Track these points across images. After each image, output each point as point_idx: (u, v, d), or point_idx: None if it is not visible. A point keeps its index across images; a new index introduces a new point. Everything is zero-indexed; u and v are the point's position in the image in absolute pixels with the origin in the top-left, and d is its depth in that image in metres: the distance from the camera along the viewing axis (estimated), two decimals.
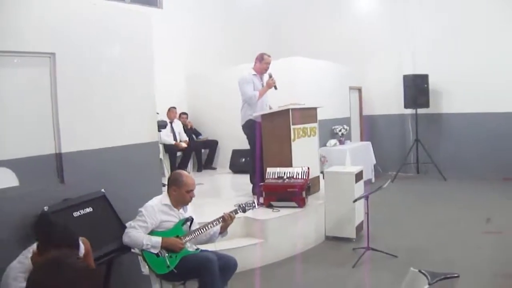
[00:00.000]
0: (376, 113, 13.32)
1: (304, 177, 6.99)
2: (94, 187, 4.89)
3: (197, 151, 11.37)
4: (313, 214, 7.02)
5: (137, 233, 4.25)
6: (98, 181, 4.99)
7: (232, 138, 10.56)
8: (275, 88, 7.57)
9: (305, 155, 7.48)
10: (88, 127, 5.15)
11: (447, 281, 2.56)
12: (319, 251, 6.78)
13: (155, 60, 6.16)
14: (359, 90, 13.39)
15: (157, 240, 4.26)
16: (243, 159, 10.54)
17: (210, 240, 4.75)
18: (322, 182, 7.91)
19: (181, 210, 4.58)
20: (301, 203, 6.81)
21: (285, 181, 6.96)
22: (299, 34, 13.90)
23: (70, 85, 4.96)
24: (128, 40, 5.67)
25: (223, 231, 4.73)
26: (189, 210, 4.70)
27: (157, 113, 6.72)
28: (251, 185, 7.92)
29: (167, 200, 4.51)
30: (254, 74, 7.72)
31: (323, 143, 10.71)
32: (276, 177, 7.09)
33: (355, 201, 6.55)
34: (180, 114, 11.50)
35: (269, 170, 7.18)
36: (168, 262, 4.25)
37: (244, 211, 4.76)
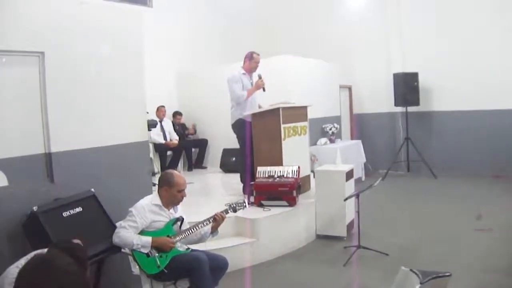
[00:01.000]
0: (367, 111, 13.34)
1: (295, 176, 6.98)
2: (84, 187, 4.87)
3: (187, 150, 11.32)
4: (304, 213, 7.03)
5: (127, 233, 4.23)
6: (88, 180, 4.97)
7: (223, 137, 10.53)
8: (264, 90, 7.58)
9: (295, 154, 7.49)
10: (77, 127, 5.15)
11: (438, 280, 2.56)
12: (310, 249, 6.79)
13: (145, 59, 6.15)
14: (349, 88, 13.41)
15: (147, 240, 4.24)
16: (234, 158, 10.51)
17: (201, 240, 4.74)
18: (312, 180, 7.89)
19: (171, 210, 4.56)
20: (292, 202, 6.81)
21: (276, 180, 6.96)
22: (290, 33, 13.90)
23: (59, 84, 4.96)
24: (118, 39, 5.67)
25: (213, 230, 4.71)
26: (180, 210, 4.69)
27: (147, 112, 6.71)
28: (241, 185, 7.90)
29: (158, 200, 4.49)
30: (244, 73, 7.73)
31: (313, 142, 10.71)
32: (266, 176, 7.09)
33: (346, 199, 6.56)
34: (174, 115, 11.49)
35: (260, 169, 7.18)
36: (158, 262, 4.24)
37: (234, 211, 4.75)
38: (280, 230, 6.57)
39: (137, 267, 4.31)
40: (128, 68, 5.75)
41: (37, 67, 4.84)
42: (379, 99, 12.80)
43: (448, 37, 11.48)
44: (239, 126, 7.64)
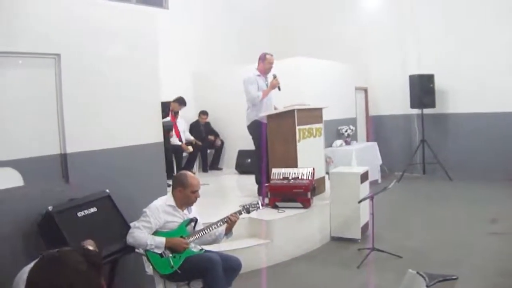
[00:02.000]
0: (382, 113, 13.27)
1: (310, 178, 6.97)
2: (99, 187, 4.90)
3: (203, 152, 11.35)
4: (318, 215, 7.02)
5: (141, 233, 4.26)
6: (103, 181, 4.99)
7: (238, 139, 10.56)
8: (279, 89, 7.59)
9: (310, 155, 7.48)
10: (93, 128, 5.18)
11: (445, 283, 2.54)
12: (324, 251, 6.78)
13: (161, 60, 6.18)
14: (365, 90, 13.37)
15: (161, 240, 4.27)
16: (249, 160, 10.50)
17: (215, 241, 4.76)
18: (327, 182, 7.89)
19: (185, 211, 4.58)
20: (307, 204, 6.81)
21: (291, 182, 6.95)
22: (305, 34, 13.87)
23: (75, 86, 4.99)
24: (133, 41, 5.69)
25: (227, 231, 4.72)
26: (194, 211, 4.71)
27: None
28: (256, 186, 7.90)
29: (172, 201, 4.51)
30: (259, 75, 7.72)
31: (329, 144, 10.71)
32: (281, 177, 7.08)
33: (360, 201, 6.54)
34: (200, 114, 11.56)
35: (275, 170, 7.17)
36: (171, 263, 4.26)
37: (248, 212, 4.75)
38: (295, 231, 6.57)
39: (151, 267, 4.34)
40: (143, 69, 5.77)
41: (53, 68, 4.88)
42: (395, 101, 12.73)
43: (464, 39, 11.37)
44: (255, 127, 7.64)
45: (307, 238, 6.77)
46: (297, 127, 7.26)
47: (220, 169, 11.71)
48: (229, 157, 11.62)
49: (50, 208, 4.27)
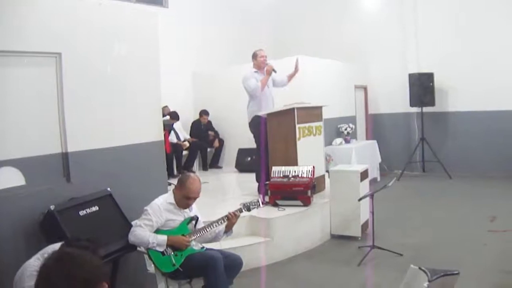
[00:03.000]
0: (382, 111, 13.29)
1: (310, 176, 6.99)
2: (100, 186, 4.92)
3: (203, 150, 11.37)
4: (318, 213, 7.04)
5: (143, 231, 4.27)
6: (104, 180, 5.01)
7: (238, 137, 10.59)
8: (274, 71, 7.62)
9: (310, 154, 7.50)
10: (94, 127, 5.18)
11: (447, 278, 2.56)
12: (324, 249, 6.80)
13: (161, 59, 6.19)
14: (365, 88, 13.37)
15: (163, 238, 4.28)
16: (249, 158, 10.53)
17: (215, 238, 4.77)
18: (327, 180, 7.90)
19: (186, 209, 4.59)
20: (307, 202, 6.82)
21: (291, 180, 6.97)
22: (305, 33, 13.86)
23: (76, 84, 4.99)
24: (134, 40, 5.70)
25: (228, 229, 4.73)
26: (194, 209, 4.72)
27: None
28: (256, 184, 7.91)
29: (172, 199, 4.52)
30: (256, 71, 7.75)
31: (328, 142, 10.72)
32: (281, 176, 7.09)
33: (360, 199, 6.54)
34: (200, 114, 11.53)
35: (275, 169, 7.19)
36: (173, 261, 4.28)
37: (248, 209, 4.77)
38: (295, 229, 6.58)
39: (153, 265, 4.36)
40: (144, 68, 5.78)
41: (54, 67, 4.88)
42: (395, 100, 12.73)
43: (464, 37, 11.40)
44: (256, 125, 7.64)
45: (307, 236, 6.78)
46: (297, 126, 7.27)
47: (220, 167, 11.72)
48: (229, 155, 11.62)
49: (52, 207, 4.29)
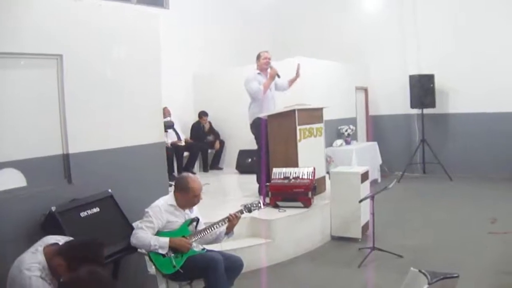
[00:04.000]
0: (382, 113, 13.26)
1: (310, 177, 6.99)
2: (101, 187, 4.93)
3: (204, 151, 11.38)
4: (319, 214, 7.04)
5: (144, 234, 4.27)
6: (105, 181, 5.03)
7: (239, 138, 10.61)
8: (278, 76, 7.61)
9: (311, 155, 7.50)
10: (95, 128, 5.19)
11: (447, 280, 2.57)
12: (325, 251, 6.80)
13: (162, 60, 6.20)
14: (365, 90, 13.36)
15: (165, 240, 4.28)
16: (250, 160, 10.53)
17: (216, 240, 4.77)
18: (328, 182, 7.91)
19: (187, 211, 4.60)
20: (307, 203, 6.83)
21: (291, 181, 6.97)
22: (305, 34, 13.84)
23: (77, 86, 5.01)
24: (135, 41, 5.71)
25: (229, 231, 4.74)
26: (195, 211, 4.72)
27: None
28: (257, 185, 7.91)
29: (173, 201, 4.53)
30: (259, 73, 7.73)
31: (329, 143, 10.73)
32: (282, 177, 7.10)
33: (361, 201, 6.55)
34: (200, 115, 11.54)
35: (275, 170, 7.19)
36: (174, 262, 4.27)
37: (249, 211, 4.77)
38: (295, 231, 6.58)
39: (153, 267, 4.35)
40: (145, 70, 5.79)
41: (55, 69, 4.89)
42: (395, 101, 12.72)
43: (464, 38, 11.39)
44: (257, 126, 7.64)
45: (308, 238, 6.78)
46: (298, 127, 7.27)
47: (221, 168, 11.71)
48: (230, 157, 11.62)
49: (53, 208, 4.31)
